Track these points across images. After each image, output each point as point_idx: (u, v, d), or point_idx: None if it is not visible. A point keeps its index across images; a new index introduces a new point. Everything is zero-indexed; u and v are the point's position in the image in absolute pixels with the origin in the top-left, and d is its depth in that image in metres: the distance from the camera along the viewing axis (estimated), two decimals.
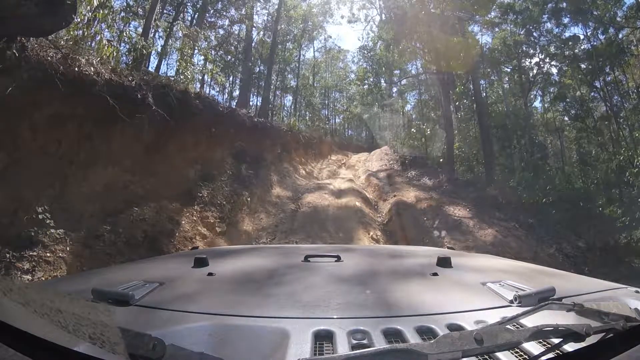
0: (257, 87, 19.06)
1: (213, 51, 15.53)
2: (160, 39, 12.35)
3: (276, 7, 18.20)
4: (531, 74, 14.99)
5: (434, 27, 13.53)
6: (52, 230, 4.48)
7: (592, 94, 14.23)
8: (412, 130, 17.88)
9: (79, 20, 5.23)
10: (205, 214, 7.06)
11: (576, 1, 12.68)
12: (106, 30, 6.22)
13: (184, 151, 7.54)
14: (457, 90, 14.59)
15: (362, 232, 7.83)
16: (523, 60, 15.08)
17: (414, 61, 18.95)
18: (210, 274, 1.13)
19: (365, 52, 22.91)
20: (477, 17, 15.34)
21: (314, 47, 25.01)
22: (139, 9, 11.47)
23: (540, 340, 0.68)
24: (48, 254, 4.33)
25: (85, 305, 0.72)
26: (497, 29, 15.96)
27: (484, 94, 15.51)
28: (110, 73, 5.74)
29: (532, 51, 14.81)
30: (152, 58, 10.28)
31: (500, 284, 0.99)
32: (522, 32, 14.79)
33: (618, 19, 12.42)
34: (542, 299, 0.81)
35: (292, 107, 22.76)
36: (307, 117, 23.00)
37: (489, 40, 16.65)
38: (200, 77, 14.30)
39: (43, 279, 4.02)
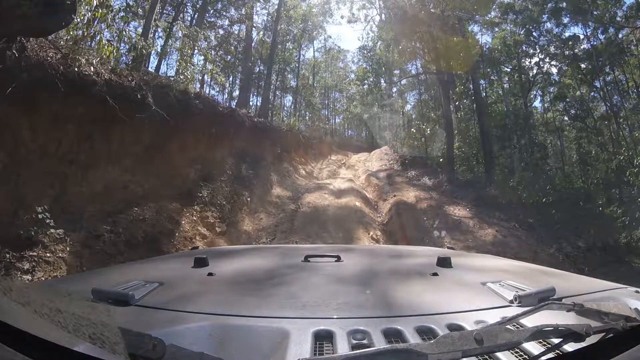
0: (257, 87, 19.05)
1: (213, 51, 15.51)
2: (160, 39, 12.35)
3: (276, 7, 18.19)
4: (531, 74, 14.98)
5: (434, 27, 13.53)
6: (52, 230, 4.47)
7: (592, 93, 14.23)
8: (412, 130, 17.85)
9: (78, 20, 5.21)
10: (205, 214, 7.06)
11: (576, 1, 12.67)
12: (106, 30, 6.19)
13: (184, 151, 7.54)
14: (457, 90, 14.58)
15: (362, 232, 7.83)
16: (523, 60, 15.08)
17: (414, 61, 18.93)
18: (210, 274, 1.13)
19: (365, 52, 22.94)
20: (477, 17, 15.33)
21: (313, 47, 25.00)
22: (139, 9, 11.46)
23: (540, 340, 0.68)
24: (48, 254, 4.33)
25: (85, 305, 0.72)
26: (497, 29, 15.95)
27: (484, 94, 15.50)
28: (110, 73, 5.74)
29: (532, 51, 14.81)
30: (152, 58, 10.26)
31: (500, 284, 0.99)
32: (522, 32, 14.78)
33: (618, 18, 12.42)
34: (542, 299, 0.81)
35: (292, 107, 22.75)
36: (307, 117, 23.00)
37: (489, 40, 16.66)
38: (200, 77, 14.29)
39: (43, 279, 4.02)
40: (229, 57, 18.18)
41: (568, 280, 1.20)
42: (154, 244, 5.54)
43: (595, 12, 12.67)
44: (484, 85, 15.93)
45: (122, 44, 7.56)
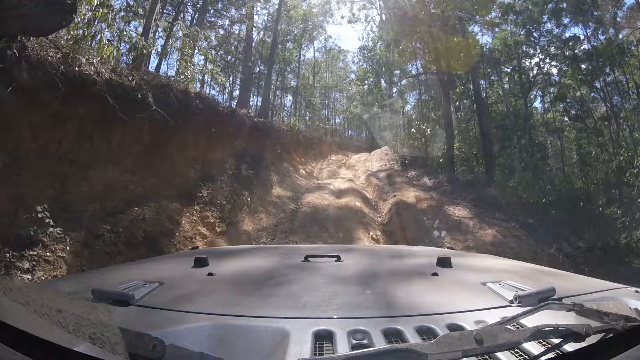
0: (257, 87, 19.05)
1: (213, 51, 15.51)
2: (160, 38, 12.37)
3: (276, 7, 18.20)
4: (531, 74, 14.99)
5: (434, 27, 13.53)
6: (52, 230, 4.47)
7: (592, 94, 14.24)
8: (412, 130, 17.84)
9: (79, 19, 5.22)
10: (205, 214, 7.06)
11: (576, 1, 12.68)
12: (106, 29, 6.21)
13: (184, 151, 7.53)
14: (457, 90, 14.58)
15: (362, 232, 7.83)
16: (523, 61, 15.10)
17: (414, 61, 18.91)
18: (210, 274, 1.13)
19: (366, 52, 22.93)
20: (477, 17, 15.34)
21: (314, 47, 24.98)
22: (139, 9, 11.45)
23: (540, 340, 0.68)
24: (48, 254, 4.33)
25: (85, 305, 0.71)
26: (497, 29, 15.96)
27: (484, 94, 15.50)
28: (110, 73, 5.73)
29: (532, 51, 14.84)
30: (152, 58, 10.28)
31: (500, 284, 0.99)
32: (522, 33, 14.80)
33: (618, 19, 12.43)
34: (542, 299, 0.81)
35: (292, 107, 22.76)
36: (307, 117, 23.02)
37: (489, 40, 16.66)
38: (200, 77, 14.30)
39: (43, 278, 4.02)
40: (229, 57, 18.17)
41: (568, 280, 1.20)
42: (154, 244, 5.54)
43: (595, 13, 12.68)
44: (484, 85, 15.94)
45: (123, 44, 7.57)
